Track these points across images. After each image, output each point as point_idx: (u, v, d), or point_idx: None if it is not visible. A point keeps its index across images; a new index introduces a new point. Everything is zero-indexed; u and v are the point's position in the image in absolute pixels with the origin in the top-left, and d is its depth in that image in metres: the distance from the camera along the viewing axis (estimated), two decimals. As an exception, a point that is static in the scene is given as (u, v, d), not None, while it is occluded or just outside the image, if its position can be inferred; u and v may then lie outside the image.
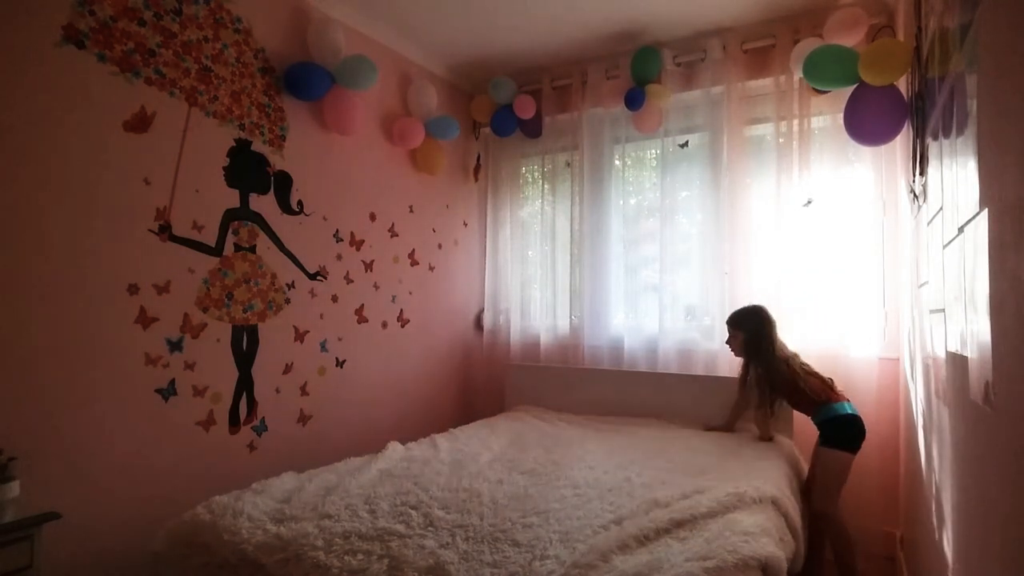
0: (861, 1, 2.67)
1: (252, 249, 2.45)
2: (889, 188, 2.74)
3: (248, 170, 2.44)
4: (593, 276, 3.45)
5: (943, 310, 1.25)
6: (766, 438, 2.54)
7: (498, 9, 2.89)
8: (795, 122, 2.86)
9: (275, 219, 2.55)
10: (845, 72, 2.35)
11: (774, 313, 2.59)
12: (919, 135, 1.76)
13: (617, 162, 3.46)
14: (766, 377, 2.44)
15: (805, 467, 2.53)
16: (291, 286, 2.62)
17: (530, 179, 3.84)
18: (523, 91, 3.52)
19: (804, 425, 2.80)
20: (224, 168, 2.35)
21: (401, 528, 1.58)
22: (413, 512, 1.70)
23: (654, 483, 1.93)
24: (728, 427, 2.72)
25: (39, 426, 1.77)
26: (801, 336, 2.82)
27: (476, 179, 3.86)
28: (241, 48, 2.42)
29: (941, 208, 1.28)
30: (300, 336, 2.66)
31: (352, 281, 2.94)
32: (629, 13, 2.93)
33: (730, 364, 2.97)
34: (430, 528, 1.60)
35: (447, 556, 1.42)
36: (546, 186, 3.65)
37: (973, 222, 0.90)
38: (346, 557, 1.43)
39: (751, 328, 2.48)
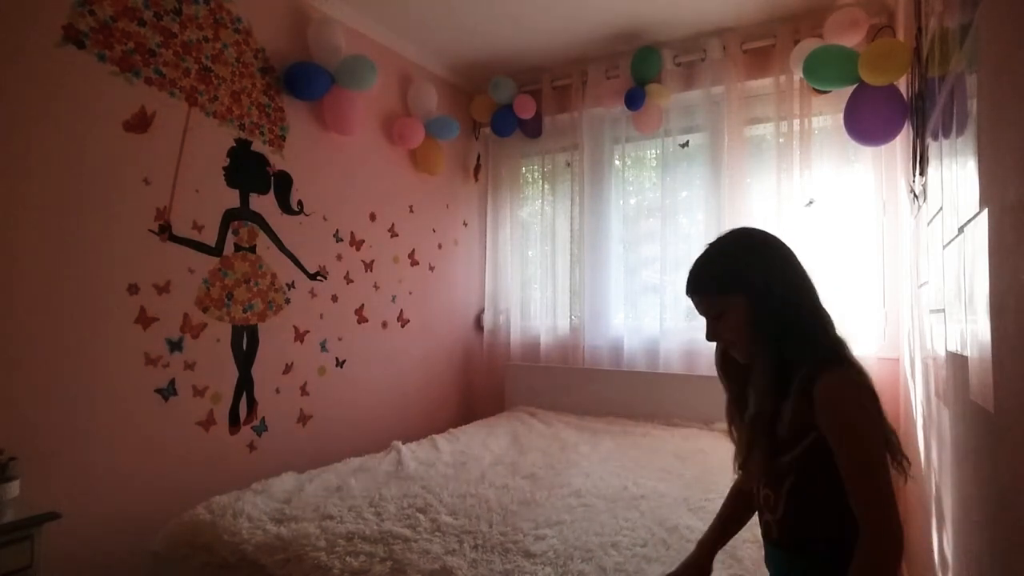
0: (861, 1, 2.67)
1: (252, 249, 2.45)
2: (889, 188, 2.74)
3: (248, 170, 2.44)
4: (593, 276, 3.45)
5: (943, 310, 1.25)
6: None
7: (498, 9, 2.89)
8: (795, 122, 2.86)
9: (275, 219, 2.55)
10: (845, 72, 2.35)
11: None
12: (919, 135, 1.75)
13: (617, 162, 3.46)
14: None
15: None
16: (291, 286, 2.62)
17: (530, 179, 3.83)
18: (523, 91, 3.52)
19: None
20: (224, 168, 2.35)
21: (407, 532, 1.57)
22: (421, 516, 1.69)
23: (652, 494, 1.89)
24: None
25: (39, 426, 1.77)
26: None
27: (476, 179, 3.86)
28: (241, 48, 2.41)
29: (941, 208, 1.28)
30: (300, 336, 2.65)
31: (352, 281, 2.94)
32: (629, 13, 2.92)
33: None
34: (436, 533, 1.58)
35: (454, 562, 1.40)
36: (546, 186, 3.65)
37: (973, 222, 0.90)
38: (347, 558, 1.43)
39: (761, 280, 1.02)
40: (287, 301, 2.60)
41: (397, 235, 3.25)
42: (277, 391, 2.54)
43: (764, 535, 1.10)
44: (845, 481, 0.90)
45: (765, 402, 1.02)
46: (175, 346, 2.14)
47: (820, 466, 0.94)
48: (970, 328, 0.94)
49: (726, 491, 1.88)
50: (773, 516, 1.04)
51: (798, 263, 1.05)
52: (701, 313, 1.09)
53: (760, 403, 1.03)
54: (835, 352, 0.98)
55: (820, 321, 1.02)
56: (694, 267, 1.10)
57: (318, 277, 2.75)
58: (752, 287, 1.01)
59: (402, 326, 3.28)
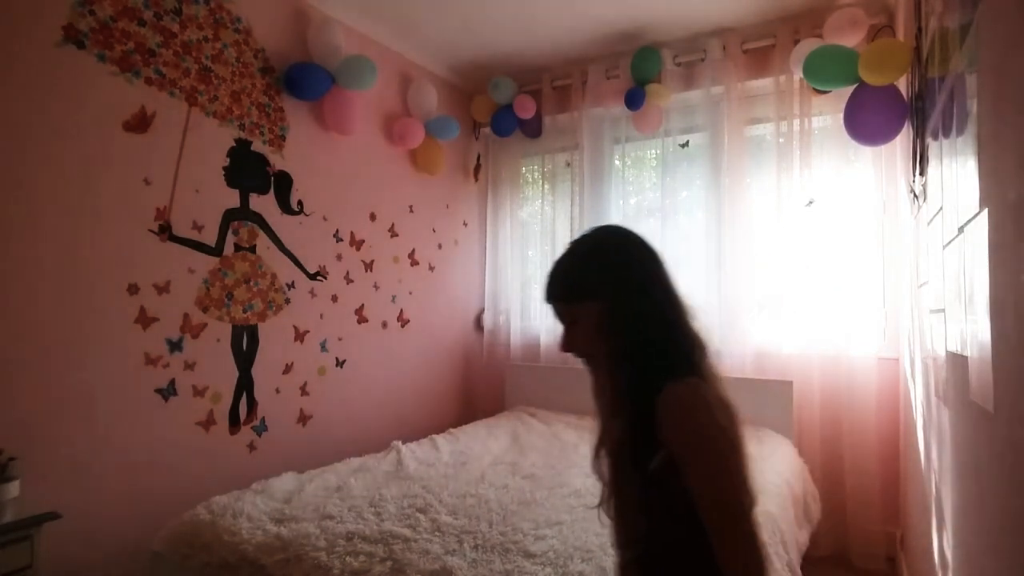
0: (861, 1, 2.67)
1: (252, 249, 2.45)
2: (889, 188, 2.74)
3: (248, 170, 2.44)
4: (593, 276, 3.44)
5: (943, 310, 1.25)
6: None
7: (498, 9, 2.89)
8: (795, 122, 2.86)
9: (275, 219, 2.55)
10: (845, 72, 2.35)
11: (772, 312, 2.52)
12: (919, 135, 1.75)
13: (617, 162, 3.46)
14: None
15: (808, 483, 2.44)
16: (291, 286, 2.62)
17: (530, 179, 3.83)
18: (523, 91, 3.52)
19: (808, 424, 2.80)
20: (224, 168, 2.35)
21: (407, 532, 1.57)
22: (421, 516, 1.69)
23: None
24: None
25: (39, 426, 1.77)
26: (801, 336, 2.82)
27: (476, 179, 3.86)
28: (241, 48, 2.41)
29: (941, 208, 1.28)
30: (300, 336, 2.65)
31: (352, 281, 2.94)
32: (629, 13, 2.92)
33: (731, 365, 2.97)
34: (436, 533, 1.58)
35: (454, 562, 1.40)
36: (546, 186, 3.65)
37: (973, 222, 0.90)
38: (347, 558, 1.43)
39: (615, 287, 0.95)
40: (287, 301, 2.59)
41: (397, 235, 3.25)
42: (277, 391, 2.54)
43: None
44: (696, 503, 0.80)
45: (620, 423, 0.91)
46: (175, 346, 2.14)
47: (676, 493, 0.82)
48: (970, 328, 0.94)
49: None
50: (633, 553, 0.93)
51: (661, 269, 0.96)
52: (559, 320, 1.00)
53: (618, 426, 0.92)
54: (689, 363, 0.89)
55: (679, 333, 0.92)
56: (550, 271, 1.00)
57: (318, 277, 2.75)
58: (605, 294, 0.93)
59: (402, 326, 3.28)
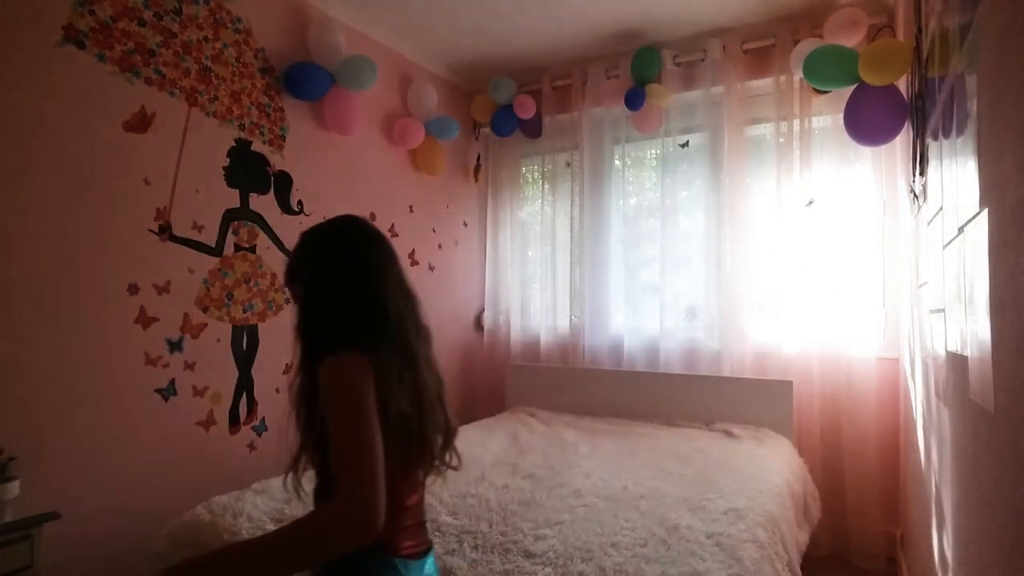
0: (861, 1, 2.67)
1: (252, 249, 2.45)
2: (889, 188, 2.74)
3: (248, 170, 2.44)
4: (593, 276, 3.45)
5: (943, 310, 1.25)
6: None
7: (498, 9, 2.89)
8: (795, 122, 2.86)
9: (275, 219, 2.55)
10: (845, 72, 2.35)
11: (772, 312, 2.50)
12: (919, 135, 1.75)
13: (617, 162, 3.46)
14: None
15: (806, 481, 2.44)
16: (291, 286, 2.61)
17: (530, 179, 3.83)
18: (523, 91, 3.52)
19: (808, 424, 2.80)
20: (224, 168, 2.35)
21: None
22: None
23: (652, 494, 1.88)
24: None
25: (39, 426, 1.77)
26: (801, 336, 2.82)
27: (476, 179, 3.86)
28: (241, 48, 2.41)
29: (941, 208, 1.28)
30: (300, 336, 2.65)
31: (352, 281, 2.94)
32: (629, 13, 2.93)
33: (731, 365, 2.97)
34: (436, 533, 1.58)
35: (454, 563, 1.40)
36: (546, 186, 3.65)
37: (973, 222, 0.90)
38: (346, 557, 1.43)
39: (311, 272, 1.07)
40: (287, 301, 2.59)
41: (397, 235, 3.25)
42: (277, 391, 2.54)
43: None
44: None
45: (302, 385, 1.04)
46: (175, 346, 2.14)
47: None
48: (970, 328, 0.94)
49: (726, 491, 1.89)
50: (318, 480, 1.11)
51: (377, 261, 1.06)
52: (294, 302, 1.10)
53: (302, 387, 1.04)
54: (358, 340, 0.97)
55: (358, 314, 1.00)
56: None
57: (318, 277, 2.75)
58: (308, 279, 1.04)
59: (402, 326, 3.27)
